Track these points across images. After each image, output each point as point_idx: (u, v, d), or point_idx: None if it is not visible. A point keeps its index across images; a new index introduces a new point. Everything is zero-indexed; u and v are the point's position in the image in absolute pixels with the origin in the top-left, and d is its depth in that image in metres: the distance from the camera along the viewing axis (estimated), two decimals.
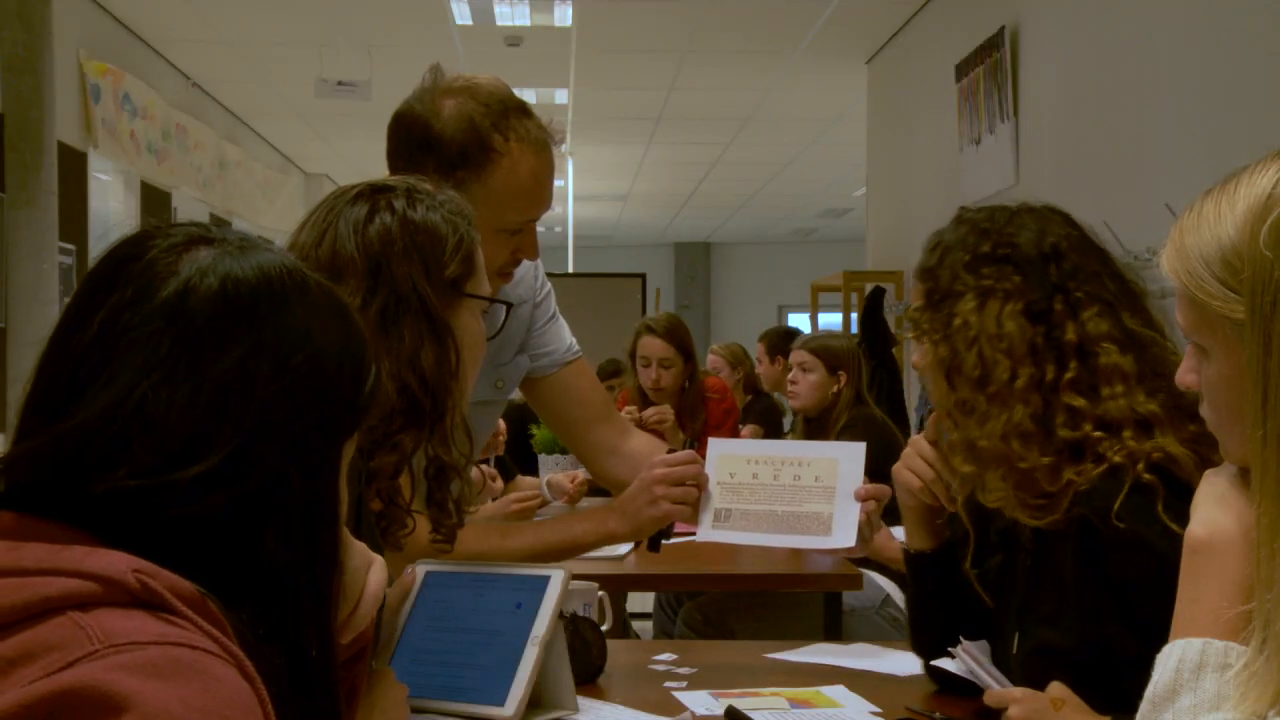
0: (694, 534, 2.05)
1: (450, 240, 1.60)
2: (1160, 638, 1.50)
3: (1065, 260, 1.71)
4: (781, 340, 6.38)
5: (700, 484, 2.01)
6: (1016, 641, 1.74)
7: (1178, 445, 1.59)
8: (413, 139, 1.98)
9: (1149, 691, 1.11)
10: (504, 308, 1.77)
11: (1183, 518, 1.52)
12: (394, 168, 2.02)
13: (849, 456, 2.00)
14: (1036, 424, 1.64)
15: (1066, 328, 1.66)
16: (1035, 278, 1.69)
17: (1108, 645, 1.59)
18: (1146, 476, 1.57)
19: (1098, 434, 1.61)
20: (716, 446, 2.07)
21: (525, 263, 2.17)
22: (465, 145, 1.95)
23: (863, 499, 1.96)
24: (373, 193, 1.61)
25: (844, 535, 1.96)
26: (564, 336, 2.30)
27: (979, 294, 1.69)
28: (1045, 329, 1.67)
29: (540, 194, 2.00)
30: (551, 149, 2.01)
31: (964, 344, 1.68)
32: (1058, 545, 1.64)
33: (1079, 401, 1.63)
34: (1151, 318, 1.73)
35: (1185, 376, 1.17)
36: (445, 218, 1.61)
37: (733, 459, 2.05)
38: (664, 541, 2.09)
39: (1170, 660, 1.10)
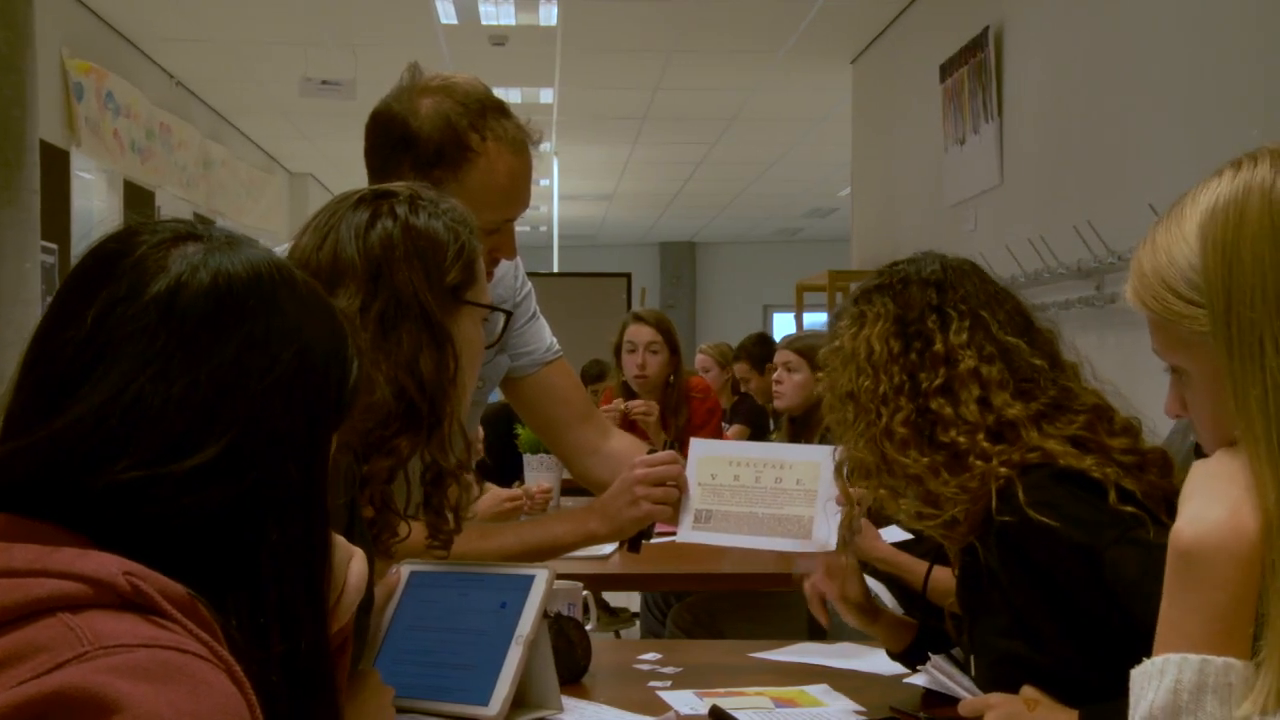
0: (675, 535, 2.05)
1: (451, 248, 1.60)
2: (1098, 623, 1.53)
3: (946, 285, 1.79)
4: (759, 348, 6.37)
5: (681, 484, 2.02)
6: (973, 665, 1.77)
7: (1049, 441, 1.65)
8: (390, 138, 1.98)
9: (1143, 711, 1.07)
10: (503, 316, 1.77)
11: (1088, 497, 1.57)
12: (371, 166, 2.02)
13: (831, 460, 1.99)
14: (911, 428, 1.71)
15: (935, 340, 1.75)
16: (915, 299, 1.78)
17: (1054, 645, 1.61)
18: (1003, 472, 1.64)
19: (962, 439, 1.68)
20: (698, 448, 2.07)
21: (505, 262, 2.17)
22: (442, 144, 1.94)
23: (844, 503, 1.98)
24: (375, 198, 1.62)
25: (824, 537, 1.98)
26: (544, 336, 2.30)
27: (855, 319, 1.81)
28: (920, 345, 1.75)
29: (517, 194, 2.00)
30: (530, 149, 2.01)
31: (841, 365, 1.79)
32: (989, 560, 1.67)
33: (947, 410, 1.70)
34: (1041, 333, 1.80)
35: (1171, 407, 1.19)
36: (447, 225, 1.61)
37: (714, 460, 2.05)
38: (645, 542, 2.09)
39: (1166, 679, 1.06)
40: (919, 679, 1.96)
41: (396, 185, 1.67)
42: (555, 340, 2.32)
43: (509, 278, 2.25)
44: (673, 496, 2.01)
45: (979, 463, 1.66)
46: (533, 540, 2.06)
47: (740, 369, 6.48)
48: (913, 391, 1.72)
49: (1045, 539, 1.58)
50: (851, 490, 1.98)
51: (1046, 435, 1.66)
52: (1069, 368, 1.77)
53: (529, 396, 2.28)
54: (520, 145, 1.98)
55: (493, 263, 2.03)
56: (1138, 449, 1.67)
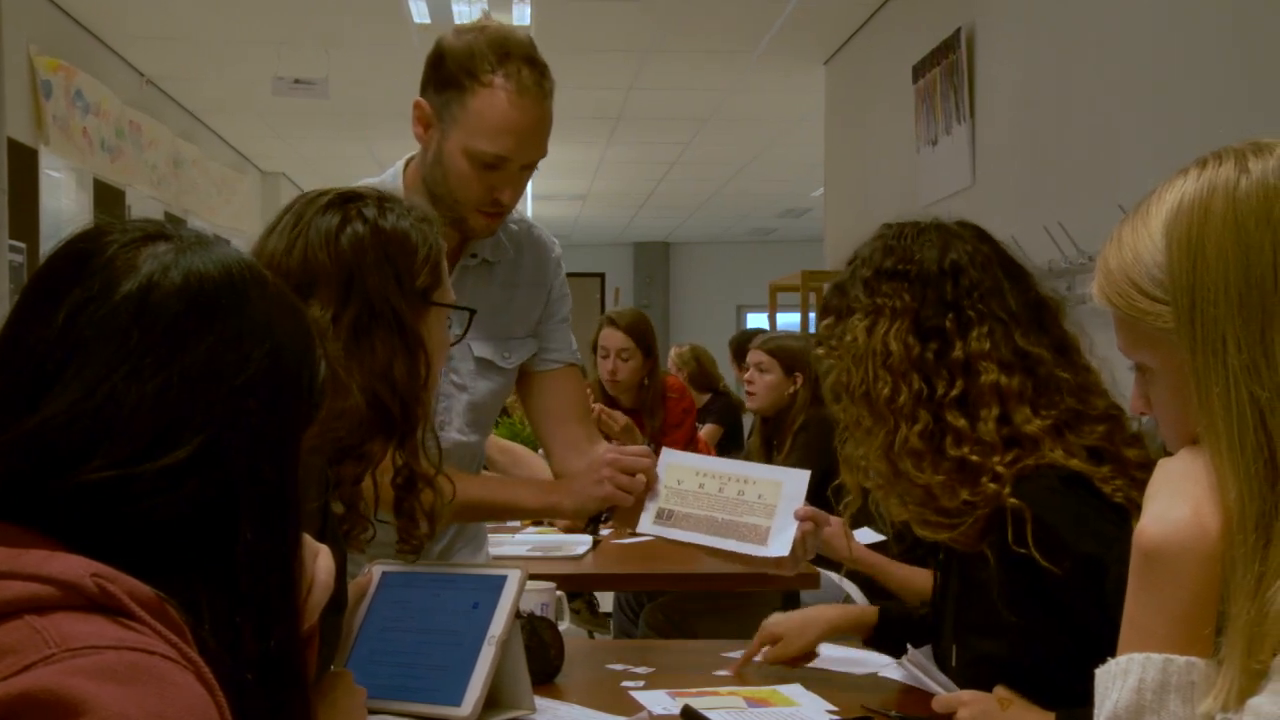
0: (644, 536, 2.12)
1: (421, 250, 1.62)
2: (1092, 634, 1.52)
3: (964, 277, 1.73)
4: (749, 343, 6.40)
5: (650, 477, 2.08)
6: (955, 654, 1.76)
7: (1068, 458, 1.62)
8: (430, 61, 2.14)
9: (1108, 711, 1.08)
10: (469, 313, 1.79)
11: (1100, 506, 1.56)
12: (422, 90, 2.16)
13: (793, 480, 2.08)
14: (926, 441, 1.66)
15: (955, 345, 1.69)
16: (931, 295, 1.72)
17: (1042, 650, 1.61)
18: (1008, 491, 1.61)
19: (975, 457, 1.64)
20: (668, 456, 2.13)
21: (550, 254, 2.33)
22: (459, 70, 2.07)
23: (802, 519, 2.02)
24: (343, 201, 1.62)
25: (778, 546, 2.02)
26: (572, 341, 2.40)
27: (870, 313, 1.73)
28: (937, 346, 1.70)
29: (512, 130, 2.06)
30: (541, 101, 2.10)
31: (853, 361, 1.73)
32: (980, 557, 1.66)
33: (960, 422, 1.66)
34: (1064, 334, 1.75)
35: (1136, 404, 1.20)
36: (414, 225, 1.62)
37: (682, 469, 2.12)
38: (603, 525, 2.15)
39: (1129, 679, 1.07)
40: (894, 672, 1.96)
41: (363, 187, 1.69)
42: (578, 349, 2.43)
43: (550, 269, 2.35)
44: (638, 486, 2.07)
45: (991, 485, 1.63)
46: (497, 498, 2.16)
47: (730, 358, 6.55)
48: (929, 399, 1.67)
49: (1051, 545, 1.56)
50: (805, 509, 2.02)
51: (1069, 450, 1.62)
52: (1080, 368, 1.72)
53: (541, 388, 2.36)
54: (527, 90, 2.07)
55: (495, 204, 2.12)
56: (1150, 461, 1.64)
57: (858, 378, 1.72)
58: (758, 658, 2.05)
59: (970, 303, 1.71)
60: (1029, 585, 1.60)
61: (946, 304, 1.71)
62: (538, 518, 2.22)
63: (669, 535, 2.08)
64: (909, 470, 1.67)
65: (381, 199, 1.64)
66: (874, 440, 1.70)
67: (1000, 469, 1.63)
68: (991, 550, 1.64)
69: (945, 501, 1.66)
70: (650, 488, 2.09)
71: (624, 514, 2.12)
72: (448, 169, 2.10)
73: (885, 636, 2.05)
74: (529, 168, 2.14)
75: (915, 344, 1.69)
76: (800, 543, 2.01)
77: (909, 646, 1.86)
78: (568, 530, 3.40)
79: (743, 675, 2.05)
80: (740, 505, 2.05)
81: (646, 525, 2.08)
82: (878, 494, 1.73)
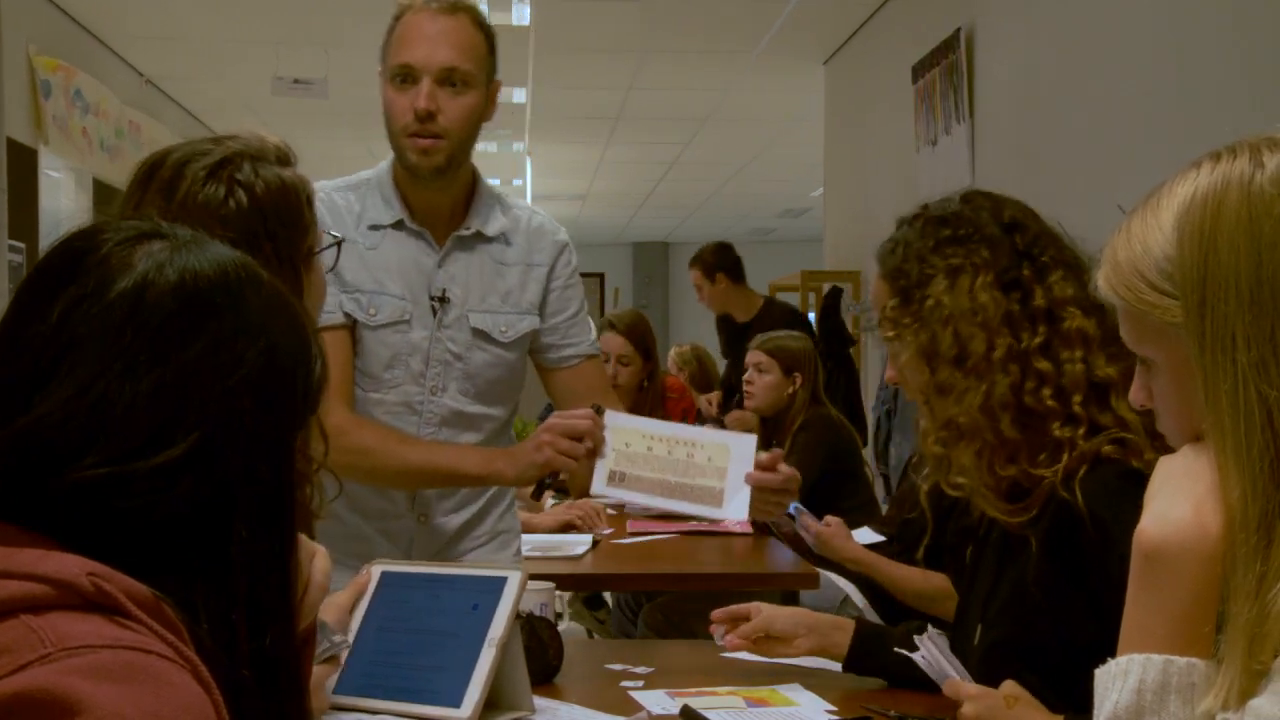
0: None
1: (302, 194, 1.67)
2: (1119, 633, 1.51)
3: (1025, 230, 1.73)
4: (714, 258, 6.39)
5: (596, 441, 2.11)
6: (979, 634, 1.75)
7: (1131, 412, 1.59)
8: None
9: (1107, 711, 1.07)
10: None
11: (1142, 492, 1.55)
12: None
13: (740, 444, 2.10)
14: (1014, 395, 1.64)
15: (1036, 293, 1.68)
16: (1002, 248, 1.70)
17: (1069, 642, 1.60)
18: (1084, 446, 1.60)
19: (1052, 403, 1.62)
20: (613, 419, 2.15)
21: (549, 238, 2.41)
22: (393, 17, 2.27)
23: (752, 484, 2.05)
24: (220, 166, 1.57)
25: (735, 509, 2.07)
26: (590, 333, 2.45)
27: (949, 273, 1.69)
28: (1020, 295, 1.68)
29: (414, 40, 2.19)
30: (447, 13, 2.21)
31: (940, 324, 1.68)
32: (1022, 541, 1.65)
33: (1044, 365, 1.64)
34: None
35: (1137, 395, 1.19)
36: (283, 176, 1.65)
37: (628, 431, 2.14)
38: (548, 491, 2.20)
39: (1129, 679, 1.07)
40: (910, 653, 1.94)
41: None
42: (595, 339, 2.47)
43: (548, 249, 2.41)
44: (579, 451, 2.10)
45: (1059, 432, 1.60)
46: (441, 463, 2.20)
47: (694, 275, 6.59)
48: (1019, 353, 1.64)
49: (1099, 538, 1.55)
50: (754, 474, 2.03)
51: (1123, 403, 1.58)
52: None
53: (564, 382, 2.42)
54: (432, 5, 2.19)
55: (415, 121, 2.18)
56: None
57: (947, 340, 1.66)
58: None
59: (1039, 250, 1.70)
60: (1068, 575, 1.59)
61: (1019, 253, 1.70)
62: (481, 485, 2.26)
63: (624, 497, 2.13)
64: (989, 423, 1.63)
65: (246, 155, 1.59)
66: (969, 399, 1.64)
67: (1078, 411, 1.61)
68: (1035, 535, 1.63)
69: (1000, 467, 1.64)
70: (597, 450, 2.11)
71: (576, 479, 2.18)
72: (384, 107, 2.20)
73: (858, 660, 2.02)
74: (445, 82, 2.18)
75: (1001, 297, 1.67)
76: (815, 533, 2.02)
77: (929, 626, 1.83)
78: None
79: (742, 675, 2.05)
80: (691, 468, 2.09)
81: (600, 487, 2.12)
82: (948, 456, 1.68)
